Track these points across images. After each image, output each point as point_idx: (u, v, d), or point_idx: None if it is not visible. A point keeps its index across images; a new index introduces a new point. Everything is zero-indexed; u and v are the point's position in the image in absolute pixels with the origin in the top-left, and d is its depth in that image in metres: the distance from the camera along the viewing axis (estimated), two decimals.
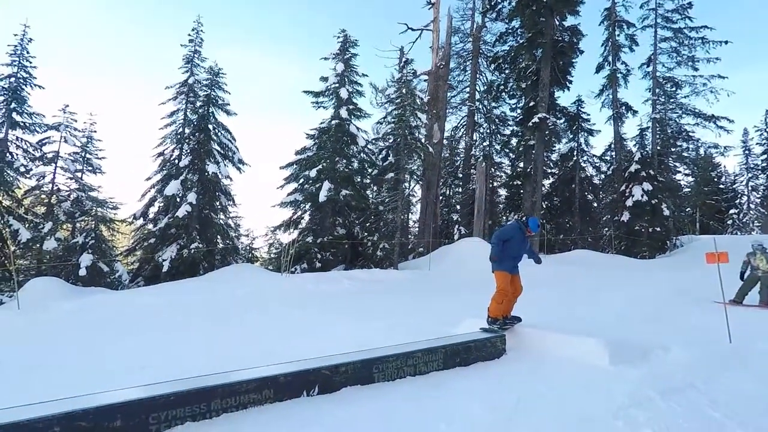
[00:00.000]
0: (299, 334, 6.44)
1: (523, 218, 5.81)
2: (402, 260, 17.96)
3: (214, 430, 2.92)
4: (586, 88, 49.67)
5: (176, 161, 14.91)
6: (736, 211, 38.29)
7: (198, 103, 15.23)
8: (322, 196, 13.69)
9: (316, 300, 9.61)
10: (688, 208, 30.73)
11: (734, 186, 39.75)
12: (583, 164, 25.62)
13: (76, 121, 14.72)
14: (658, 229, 19.87)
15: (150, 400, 2.81)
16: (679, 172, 28.21)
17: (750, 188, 38.37)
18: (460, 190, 27.97)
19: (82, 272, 12.41)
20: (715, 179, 38.21)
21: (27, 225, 13.07)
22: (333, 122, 14.76)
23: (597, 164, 25.84)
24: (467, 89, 27.20)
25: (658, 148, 22.86)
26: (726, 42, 21.14)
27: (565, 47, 19.97)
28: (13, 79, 13.94)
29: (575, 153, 25.37)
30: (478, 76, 26.94)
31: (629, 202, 20.19)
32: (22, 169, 13.88)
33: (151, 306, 8.62)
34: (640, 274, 12.51)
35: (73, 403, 2.69)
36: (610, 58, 23.03)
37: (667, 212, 20.22)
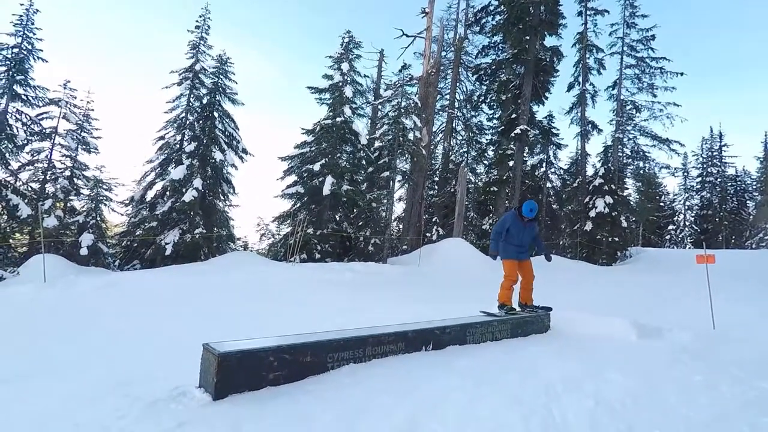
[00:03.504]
0: (349, 313, 7.06)
1: (518, 207, 5.71)
2: (389, 256, 18.76)
3: (370, 370, 3.58)
4: (557, 104, 52.69)
5: (177, 146, 14.88)
6: (674, 227, 42.25)
7: (203, 90, 15.28)
8: (326, 190, 14.23)
9: (337, 287, 10.18)
10: (634, 222, 33.68)
11: (673, 204, 43.77)
12: (550, 175, 27.66)
13: (75, 98, 14.35)
14: (617, 239, 21.91)
15: (328, 342, 3.46)
16: (627, 188, 30.96)
17: (686, 207, 42.41)
18: (435, 192, 29.24)
19: (83, 252, 12.20)
20: (657, 197, 41.80)
21: (26, 201, 12.63)
22: (337, 119, 15.32)
23: (563, 176, 27.89)
24: (447, 96, 28.51)
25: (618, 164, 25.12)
26: (681, 74, 23.66)
27: (546, 66, 21.63)
28: (16, 50, 13.37)
29: (544, 164, 27.33)
30: (458, 84, 28.32)
31: (592, 213, 22.08)
32: (20, 143, 13.32)
33: (180, 285, 8.87)
34: (613, 277, 14.02)
35: (277, 340, 3.29)
36: (580, 79, 24.99)
37: (625, 224, 22.32)
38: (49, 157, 13.80)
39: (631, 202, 31.77)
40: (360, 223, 17.79)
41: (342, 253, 16.66)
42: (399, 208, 25.83)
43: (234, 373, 2.83)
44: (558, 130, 25.99)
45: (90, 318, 6.08)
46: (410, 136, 19.17)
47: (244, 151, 15.65)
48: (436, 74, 22.38)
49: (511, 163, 23.86)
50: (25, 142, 13.50)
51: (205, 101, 15.30)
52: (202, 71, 15.40)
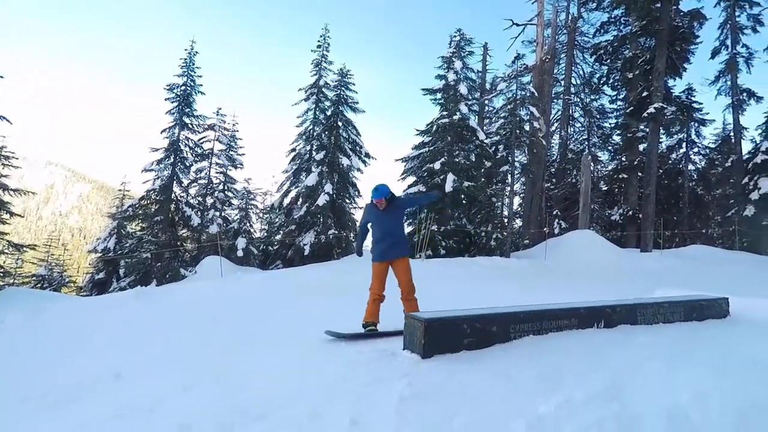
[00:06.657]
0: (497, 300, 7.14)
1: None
2: (511, 251, 18.32)
3: (553, 341, 3.66)
4: (697, 74, 45.86)
5: (307, 156, 16.46)
6: None
7: (327, 103, 16.71)
8: (448, 187, 14.47)
9: (468, 279, 10.32)
10: None
11: None
12: (692, 156, 24.50)
13: (224, 122, 16.82)
14: None
15: (511, 315, 3.65)
16: None
17: None
18: (553, 184, 27.68)
19: (239, 253, 14.23)
20: None
21: (195, 211, 15.27)
22: (454, 117, 15.49)
23: (709, 156, 24.48)
24: (562, 82, 26.86)
25: None
26: None
27: (684, 33, 19.20)
28: (183, 87, 16.25)
29: (684, 145, 24.30)
30: (573, 68, 26.60)
31: (754, 195, 19.06)
32: (188, 164, 16.13)
33: (328, 279, 9.81)
34: None
35: (467, 311, 3.57)
36: (728, 42, 21.74)
37: None
38: (208, 174, 16.33)
39: None
40: (477, 220, 17.68)
41: (464, 249, 16.72)
42: (516, 203, 25.00)
43: (438, 337, 3.18)
44: (701, 104, 22.77)
45: (267, 304, 7.09)
46: (527, 127, 18.56)
47: (367, 155, 16.67)
48: (551, 61, 21.31)
49: (642, 147, 21.69)
50: (192, 163, 16.20)
51: (329, 113, 16.67)
52: (326, 85, 16.81)
